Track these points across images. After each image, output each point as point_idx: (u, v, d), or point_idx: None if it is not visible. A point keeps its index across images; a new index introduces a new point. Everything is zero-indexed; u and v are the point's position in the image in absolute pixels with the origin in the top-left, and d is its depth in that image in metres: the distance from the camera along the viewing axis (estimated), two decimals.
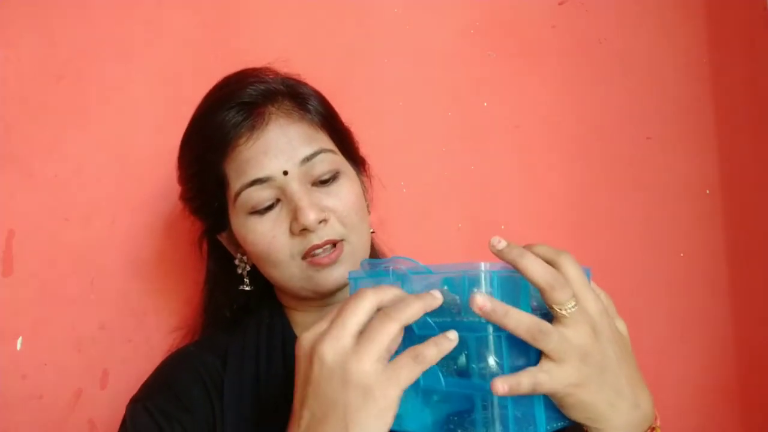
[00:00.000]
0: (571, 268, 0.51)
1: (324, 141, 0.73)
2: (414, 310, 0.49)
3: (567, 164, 1.13)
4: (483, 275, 0.49)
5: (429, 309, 0.50)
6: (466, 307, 0.49)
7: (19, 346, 0.94)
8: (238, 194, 0.70)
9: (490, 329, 0.49)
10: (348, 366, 0.47)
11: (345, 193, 0.71)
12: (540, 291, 0.49)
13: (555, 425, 0.52)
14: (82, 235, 0.98)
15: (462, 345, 0.50)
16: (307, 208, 0.67)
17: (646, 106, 1.16)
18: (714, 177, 1.15)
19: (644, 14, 1.18)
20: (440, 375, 0.51)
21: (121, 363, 0.96)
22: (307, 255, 0.69)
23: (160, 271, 1.00)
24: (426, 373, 0.51)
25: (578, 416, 0.51)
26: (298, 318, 0.77)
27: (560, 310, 0.48)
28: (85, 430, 0.94)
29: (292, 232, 0.69)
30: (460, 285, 0.50)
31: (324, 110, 0.75)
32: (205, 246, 0.83)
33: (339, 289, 0.72)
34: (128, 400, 0.71)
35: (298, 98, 0.74)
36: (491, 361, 0.48)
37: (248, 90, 0.71)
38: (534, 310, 0.51)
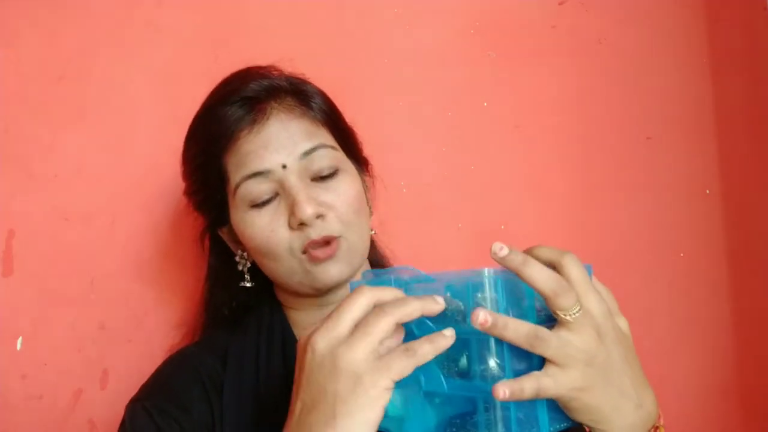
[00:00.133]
0: (574, 270, 0.50)
1: (325, 137, 0.73)
2: (411, 309, 0.49)
3: (567, 164, 1.13)
4: (487, 281, 0.49)
5: (428, 312, 0.50)
6: (470, 314, 0.49)
7: (19, 346, 0.94)
8: (237, 187, 0.71)
9: None
10: (338, 353, 0.48)
11: (344, 189, 0.71)
12: (544, 298, 0.48)
13: (558, 426, 0.51)
14: (82, 235, 0.98)
15: (464, 347, 0.50)
16: (304, 202, 0.68)
17: (646, 106, 1.16)
18: (714, 177, 1.15)
19: (644, 14, 1.18)
20: (442, 377, 0.50)
21: (121, 363, 0.96)
22: (306, 249, 0.69)
23: (161, 271, 1.00)
24: (428, 376, 0.51)
25: (582, 418, 0.50)
26: (297, 317, 0.77)
27: (564, 315, 0.48)
28: (85, 430, 0.94)
29: (290, 227, 0.70)
30: (464, 292, 0.50)
31: (327, 108, 0.76)
32: (207, 242, 0.84)
33: (337, 286, 0.72)
34: (128, 401, 0.71)
35: (301, 95, 0.74)
36: (493, 363, 0.48)
37: (251, 86, 0.72)
38: (539, 312, 0.51)
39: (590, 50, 1.16)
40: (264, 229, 0.70)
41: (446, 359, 0.50)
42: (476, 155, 1.11)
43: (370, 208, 0.80)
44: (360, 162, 0.80)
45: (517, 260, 0.48)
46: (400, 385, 0.51)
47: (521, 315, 0.49)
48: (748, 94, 1.14)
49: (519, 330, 0.47)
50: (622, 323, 0.56)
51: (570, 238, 1.11)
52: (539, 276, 0.48)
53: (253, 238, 0.71)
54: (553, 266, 0.51)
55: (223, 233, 0.79)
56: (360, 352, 0.47)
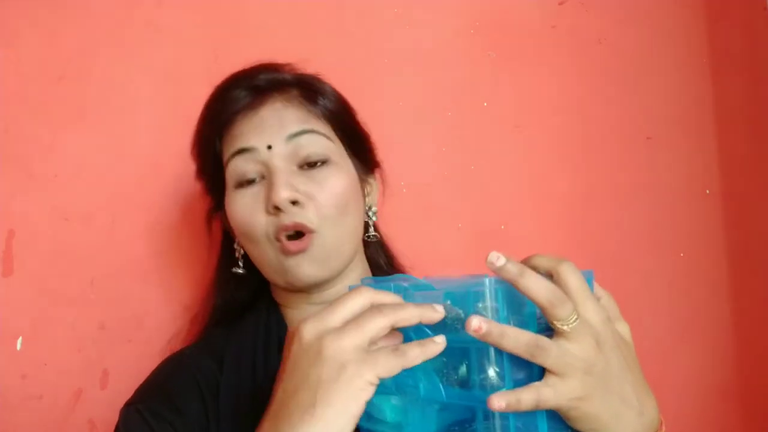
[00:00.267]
0: (572, 278, 0.50)
1: (320, 127, 0.73)
2: (409, 315, 0.49)
3: (567, 164, 1.13)
4: (488, 290, 0.48)
5: (426, 320, 0.49)
6: None
7: (19, 346, 0.94)
8: (226, 166, 0.72)
9: None
10: (325, 341, 0.47)
11: (330, 182, 0.70)
12: (541, 308, 0.48)
13: None
14: (82, 235, 0.98)
15: (463, 355, 0.49)
16: (279, 185, 0.67)
17: (646, 106, 1.16)
18: (714, 177, 1.16)
19: (644, 14, 1.18)
20: (441, 386, 0.50)
21: (121, 363, 0.96)
22: (278, 236, 0.69)
23: (160, 271, 1.00)
24: (426, 384, 0.50)
25: (583, 428, 0.50)
26: (294, 316, 0.76)
27: (562, 325, 0.48)
28: (85, 430, 0.94)
29: (266, 211, 0.70)
30: (464, 300, 0.50)
31: (334, 107, 0.75)
32: (219, 236, 0.84)
33: (316, 287, 0.71)
34: (123, 404, 0.71)
35: (308, 91, 0.74)
36: (492, 372, 0.48)
37: (261, 76, 0.74)
38: (539, 319, 0.50)
39: (590, 50, 1.16)
40: (244, 210, 0.71)
41: (446, 367, 0.50)
42: (476, 155, 1.11)
43: (370, 211, 0.79)
44: (367, 164, 0.80)
45: (513, 271, 0.47)
46: (399, 391, 0.51)
47: (522, 323, 0.49)
48: (748, 94, 1.14)
49: (519, 339, 0.47)
50: (624, 329, 0.55)
51: (570, 238, 1.11)
52: (535, 287, 0.47)
53: (234, 218, 0.72)
54: (551, 275, 0.51)
55: (223, 217, 0.79)
56: (347, 342, 0.47)
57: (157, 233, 1.00)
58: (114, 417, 0.71)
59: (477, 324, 0.46)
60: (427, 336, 0.50)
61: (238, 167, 0.71)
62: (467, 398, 0.49)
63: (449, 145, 1.11)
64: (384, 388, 0.48)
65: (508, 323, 0.48)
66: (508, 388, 0.47)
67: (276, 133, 0.70)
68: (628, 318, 0.57)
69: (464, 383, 0.49)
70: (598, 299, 0.53)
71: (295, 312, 0.76)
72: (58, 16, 1.00)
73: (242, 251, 0.78)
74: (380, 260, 0.85)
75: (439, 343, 0.48)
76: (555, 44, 1.15)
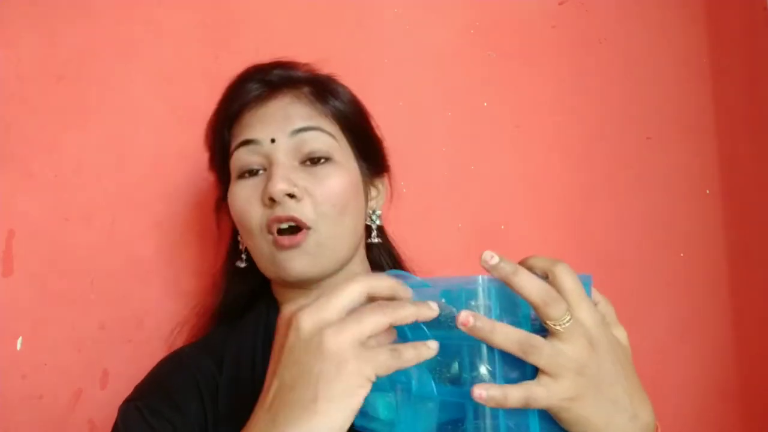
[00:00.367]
0: (567, 279, 0.50)
1: (326, 125, 0.73)
2: (407, 313, 0.48)
3: (567, 164, 1.13)
4: (480, 288, 0.48)
5: (423, 317, 0.49)
6: None
7: (19, 346, 0.94)
8: (230, 156, 0.73)
9: None
10: (326, 336, 0.46)
11: (330, 180, 0.71)
12: (534, 307, 0.48)
13: None
14: (82, 235, 0.98)
15: (455, 353, 0.49)
16: (276, 177, 0.68)
17: (646, 106, 1.16)
18: (714, 177, 1.16)
19: (644, 14, 1.18)
20: (433, 383, 0.50)
21: (121, 363, 0.96)
22: (270, 228, 0.69)
23: (160, 271, 1.00)
24: (419, 380, 0.50)
25: (575, 430, 0.50)
26: None
27: (554, 325, 0.48)
28: (85, 430, 0.94)
29: (262, 203, 0.70)
30: (458, 298, 0.50)
31: (345, 109, 0.76)
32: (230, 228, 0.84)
33: (308, 283, 0.71)
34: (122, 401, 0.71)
35: (319, 90, 0.75)
36: (484, 369, 0.48)
37: (275, 71, 0.75)
38: (533, 321, 0.50)
39: (590, 50, 1.16)
40: (243, 200, 0.72)
41: (438, 365, 0.50)
42: (476, 155, 1.11)
43: (374, 215, 0.79)
44: (375, 168, 0.80)
45: (507, 269, 0.48)
46: (392, 388, 0.51)
47: (515, 324, 0.49)
48: (748, 94, 1.14)
49: (510, 336, 0.47)
50: (620, 333, 0.55)
51: (570, 238, 1.11)
52: (528, 285, 0.47)
53: (233, 208, 0.73)
54: (547, 276, 0.50)
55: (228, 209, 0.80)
56: (348, 337, 0.46)
57: (157, 233, 1.00)
58: (114, 417, 0.71)
59: (465, 317, 0.46)
60: (423, 332, 0.50)
61: (241, 158, 0.72)
62: (458, 395, 0.49)
63: (449, 145, 1.11)
64: (377, 384, 0.48)
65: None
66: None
67: (281, 128, 0.71)
68: (628, 318, 0.57)
69: (456, 381, 0.49)
70: (595, 304, 0.53)
71: None
72: (58, 16, 1.00)
73: (244, 245, 0.78)
74: (383, 264, 0.85)
75: (432, 348, 0.48)
76: (555, 44, 1.15)
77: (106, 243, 0.98)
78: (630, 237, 1.13)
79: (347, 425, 0.46)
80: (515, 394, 0.46)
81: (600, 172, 1.14)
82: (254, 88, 0.74)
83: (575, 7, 1.16)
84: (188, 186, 1.02)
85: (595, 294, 0.55)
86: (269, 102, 0.73)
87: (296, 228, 0.69)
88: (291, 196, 0.69)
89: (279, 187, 0.68)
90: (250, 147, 0.72)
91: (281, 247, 0.69)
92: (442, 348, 0.49)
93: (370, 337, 0.48)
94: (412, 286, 0.53)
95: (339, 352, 0.46)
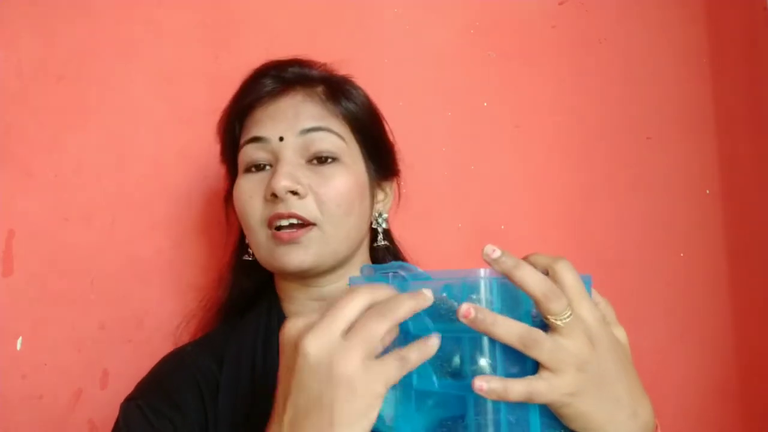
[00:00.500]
0: (568, 276, 0.50)
1: (336, 126, 0.73)
2: (406, 310, 0.48)
3: (567, 164, 1.13)
4: (482, 282, 0.49)
5: (420, 308, 0.49)
6: None
7: (19, 346, 0.94)
8: (239, 151, 0.74)
9: None
10: (334, 361, 0.46)
11: (335, 180, 0.71)
12: (535, 302, 0.48)
13: None
14: (82, 235, 0.98)
15: (457, 346, 0.49)
16: (281, 174, 0.69)
17: (646, 106, 1.16)
18: (714, 177, 1.15)
19: (644, 14, 1.18)
20: (433, 376, 0.50)
21: (121, 363, 0.96)
22: (271, 223, 0.69)
23: (160, 271, 1.00)
24: (419, 374, 0.50)
25: (575, 426, 0.50)
26: (293, 312, 0.76)
27: (555, 320, 0.48)
28: (85, 430, 0.94)
29: (265, 198, 0.70)
30: (459, 292, 0.50)
31: (357, 111, 0.76)
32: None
33: (303, 273, 0.71)
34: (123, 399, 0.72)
35: (332, 91, 0.75)
36: (484, 362, 0.48)
37: (291, 69, 0.76)
38: (534, 318, 0.50)
39: (590, 50, 1.16)
40: (245, 194, 0.72)
41: (439, 359, 0.50)
42: (476, 155, 1.11)
43: (380, 218, 0.79)
44: (384, 171, 0.80)
45: (509, 263, 0.48)
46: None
47: (516, 319, 0.48)
48: (748, 94, 1.14)
49: (511, 329, 0.47)
50: (620, 333, 0.55)
51: (570, 238, 1.11)
52: (530, 279, 0.48)
53: (236, 201, 0.74)
54: (548, 273, 0.51)
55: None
56: (356, 359, 0.46)
57: (157, 233, 1.00)
58: (114, 417, 0.71)
59: (466, 309, 0.46)
60: (425, 323, 0.51)
61: (249, 154, 0.73)
62: (460, 388, 0.49)
63: (449, 145, 1.11)
64: None
65: None
66: None
67: (290, 126, 0.71)
68: (627, 318, 0.57)
69: (457, 374, 0.50)
70: (595, 305, 0.53)
71: (296, 308, 0.76)
72: (58, 16, 1.00)
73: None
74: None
75: (434, 344, 0.48)
76: (555, 44, 1.15)
77: (106, 243, 0.98)
78: (630, 237, 1.13)
79: None
80: (517, 388, 0.46)
81: (600, 172, 1.14)
82: (268, 83, 0.75)
83: (575, 7, 1.16)
84: (188, 186, 1.02)
85: (595, 295, 0.55)
86: (281, 98, 0.74)
87: (298, 225, 0.69)
88: (294, 193, 0.69)
89: (282, 183, 0.68)
90: (258, 144, 0.72)
91: (280, 241, 0.69)
92: (443, 341, 0.50)
93: (375, 346, 0.48)
94: (415, 279, 0.53)
95: (349, 375, 0.46)
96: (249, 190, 0.72)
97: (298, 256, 0.69)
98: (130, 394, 0.72)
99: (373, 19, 1.11)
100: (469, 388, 0.47)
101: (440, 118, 1.11)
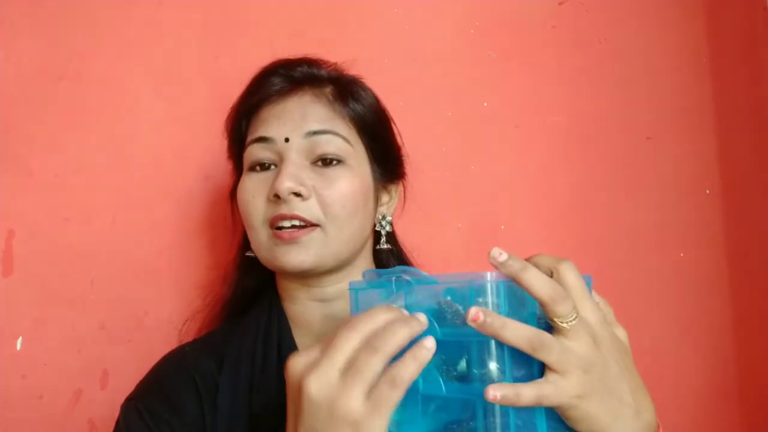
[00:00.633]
0: (571, 277, 0.50)
1: (342, 129, 0.73)
2: (398, 340, 0.48)
3: (567, 164, 1.13)
4: (489, 285, 0.48)
5: (415, 335, 0.49)
6: None
7: (19, 346, 0.94)
8: (245, 149, 0.74)
9: None
10: (334, 403, 0.47)
11: (339, 182, 0.71)
12: (541, 304, 0.48)
13: None
14: (82, 235, 0.98)
15: (462, 351, 0.49)
16: (285, 175, 0.69)
17: (646, 106, 1.16)
18: (714, 177, 1.15)
19: (644, 14, 1.18)
20: (441, 380, 0.50)
21: (121, 363, 0.96)
22: (273, 224, 0.69)
23: (160, 271, 1.00)
24: (426, 379, 0.50)
25: (582, 428, 0.50)
26: (294, 313, 0.76)
27: (561, 323, 0.48)
28: (85, 430, 0.94)
29: (268, 198, 0.70)
30: (464, 296, 0.50)
31: (365, 113, 0.76)
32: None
33: (303, 273, 0.71)
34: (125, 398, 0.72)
35: (340, 92, 0.75)
36: (493, 366, 0.48)
37: (300, 68, 0.76)
38: (538, 320, 0.50)
39: (590, 50, 1.16)
40: (248, 193, 0.72)
41: (445, 364, 0.50)
42: (476, 155, 1.11)
43: (384, 220, 0.79)
44: (390, 174, 0.80)
45: (516, 266, 0.48)
46: None
47: (522, 322, 0.48)
48: (748, 94, 1.14)
49: (520, 332, 0.47)
50: (621, 333, 0.55)
51: (570, 239, 1.11)
52: (537, 282, 0.48)
53: (239, 199, 0.74)
54: (551, 274, 0.51)
55: None
56: (354, 400, 0.46)
57: (158, 233, 1.00)
58: (114, 417, 0.71)
59: (475, 313, 0.46)
60: (432, 326, 0.50)
61: (254, 153, 0.73)
62: (468, 392, 0.49)
63: (449, 145, 1.11)
64: None
65: None
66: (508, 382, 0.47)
67: (296, 127, 0.71)
68: (628, 317, 0.57)
69: (463, 379, 0.49)
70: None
71: (296, 308, 0.76)
72: (58, 16, 1.00)
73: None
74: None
75: (429, 348, 0.48)
76: (555, 44, 1.15)
77: (106, 243, 0.98)
78: (630, 237, 1.13)
79: None
80: (528, 393, 0.46)
81: (600, 172, 1.14)
82: (276, 82, 0.74)
83: (575, 7, 1.16)
84: (188, 186, 1.02)
85: (594, 295, 0.56)
86: (289, 98, 0.74)
87: (300, 225, 0.69)
88: (297, 194, 0.69)
89: (286, 185, 0.68)
90: (264, 144, 0.72)
91: (280, 240, 0.69)
92: (449, 345, 0.49)
93: (373, 382, 0.47)
94: (419, 282, 0.53)
95: (350, 417, 0.46)
96: (253, 189, 0.72)
97: (298, 255, 0.69)
98: (130, 395, 0.72)
99: (373, 19, 1.11)
100: (477, 391, 0.47)
101: (440, 118, 1.11)
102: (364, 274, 0.58)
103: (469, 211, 1.10)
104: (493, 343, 0.48)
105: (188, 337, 0.86)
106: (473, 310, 0.46)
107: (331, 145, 0.71)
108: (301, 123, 0.71)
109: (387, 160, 0.79)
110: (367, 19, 1.11)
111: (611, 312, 0.57)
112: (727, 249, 1.14)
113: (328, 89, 0.75)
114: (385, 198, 0.80)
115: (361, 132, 0.75)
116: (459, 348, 0.49)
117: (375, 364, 0.47)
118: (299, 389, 0.49)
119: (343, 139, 0.72)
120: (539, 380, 0.48)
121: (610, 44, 1.16)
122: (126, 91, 1.01)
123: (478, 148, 1.12)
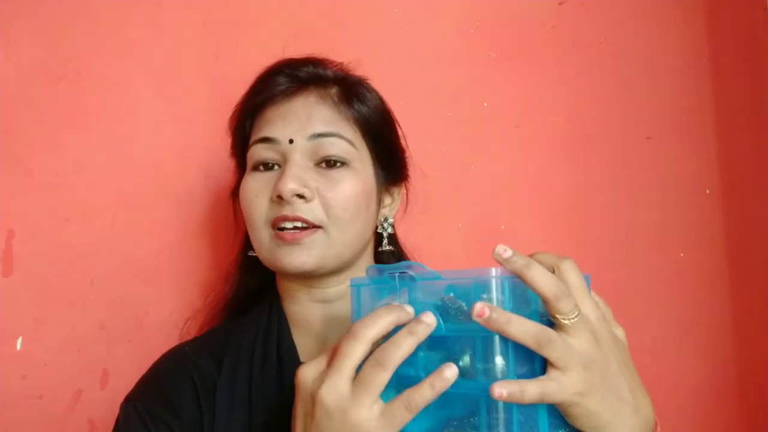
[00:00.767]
0: (572, 275, 0.51)
1: (347, 132, 0.73)
2: (404, 351, 0.49)
3: (567, 164, 1.13)
4: (494, 281, 0.49)
5: (421, 340, 0.50)
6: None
7: (19, 346, 0.94)
8: (249, 149, 0.74)
9: None
10: (346, 414, 0.49)
11: (343, 184, 0.71)
12: (544, 301, 0.49)
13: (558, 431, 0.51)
14: (82, 235, 0.98)
15: (466, 345, 0.50)
16: (288, 176, 0.68)
17: (646, 106, 1.16)
18: (714, 177, 1.15)
19: (644, 14, 1.18)
20: None
21: (121, 363, 0.96)
22: (275, 224, 0.69)
23: (160, 271, 1.00)
24: (428, 374, 0.50)
25: (583, 425, 0.50)
26: (294, 313, 0.76)
27: (563, 319, 0.48)
28: (85, 430, 0.94)
29: (271, 199, 0.70)
30: (469, 291, 0.50)
31: (370, 115, 0.75)
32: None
33: (304, 275, 0.71)
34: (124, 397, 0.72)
35: (346, 93, 0.75)
36: (496, 362, 0.48)
37: (305, 68, 0.75)
38: (541, 317, 0.51)
39: (590, 50, 1.16)
40: (251, 193, 0.72)
41: (449, 359, 0.50)
42: (476, 155, 1.11)
43: (385, 222, 0.79)
44: (393, 176, 0.80)
45: (521, 263, 0.48)
46: (400, 384, 0.51)
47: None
48: (748, 94, 1.15)
49: (525, 328, 0.47)
50: (619, 332, 0.56)
51: (570, 238, 1.11)
52: (541, 279, 0.48)
53: (242, 198, 0.74)
54: (552, 271, 0.51)
55: None
56: (364, 411, 0.49)
57: (158, 233, 1.00)
58: (114, 417, 0.71)
59: (480, 308, 0.47)
60: (438, 325, 0.51)
61: (258, 153, 0.73)
62: (472, 388, 0.49)
63: (449, 145, 1.11)
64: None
65: None
66: (511, 378, 0.48)
67: (300, 129, 0.71)
68: (627, 317, 0.58)
69: (467, 374, 0.50)
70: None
71: (297, 308, 0.76)
72: (58, 16, 1.00)
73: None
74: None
75: (449, 378, 0.48)
76: (555, 44, 1.15)
77: (106, 243, 0.98)
78: (630, 237, 1.13)
79: None
80: (532, 390, 0.47)
81: (600, 172, 1.14)
82: (282, 81, 0.74)
83: (575, 7, 1.16)
84: (188, 186, 1.02)
85: (593, 295, 0.56)
86: (294, 98, 0.73)
87: (302, 227, 0.69)
88: (300, 196, 0.69)
89: (289, 186, 0.68)
90: (268, 145, 0.72)
91: (282, 241, 0.69)
92: (452, 341, 0.50)
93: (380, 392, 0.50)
94: (424, 278, 0.53)
95: (361, 425, 0.49)
96: (255, 189, 0.72)
97: (300, 257, 0.69)
98: (129, 395, 0.72)
99: (373, 19, 1.11)
100: (481, 387, 0.47)
101: (440, 118, 1.11)
102: (367, 270, 0.58)
103: (469, 211, 1.10)
104: (497, 338, 0.48)
105: (189, 337, 0.86)
106: (479, 306, 0.47)
107: (335, 148, 0.71)
108: (306, 124, 0.71)
109: (390, 163, 0.79)
110: (367, 19, 1.11)
111: (609, 311, 0.57)
112: (727, 249, 1.14)
113: (334, 90, 0.75)
114: (387, 200, 0.80)
115: (366, 134, 0.75)
116: (461, 344, 0.50)
117: (380, 378, 0.49)
118: (313, 399, 0.51)
119: (347, 142, 0.72)
120: (542, 377, 0.48)
121: (610, 44, 1.16)
122: (126, 91, 1.01)
123: (478, 148, 1.12)
